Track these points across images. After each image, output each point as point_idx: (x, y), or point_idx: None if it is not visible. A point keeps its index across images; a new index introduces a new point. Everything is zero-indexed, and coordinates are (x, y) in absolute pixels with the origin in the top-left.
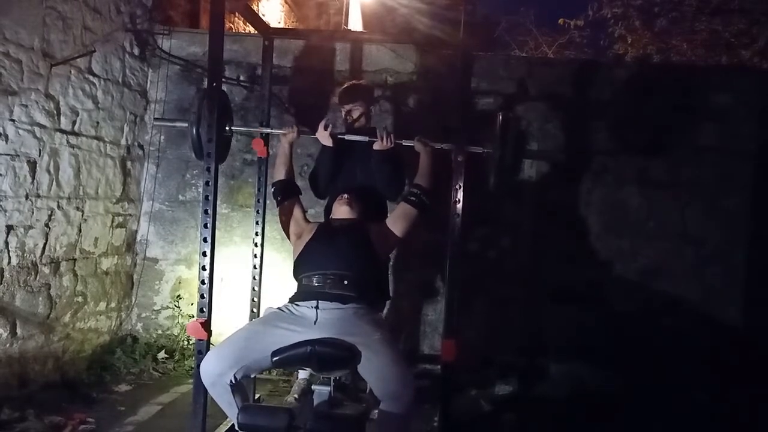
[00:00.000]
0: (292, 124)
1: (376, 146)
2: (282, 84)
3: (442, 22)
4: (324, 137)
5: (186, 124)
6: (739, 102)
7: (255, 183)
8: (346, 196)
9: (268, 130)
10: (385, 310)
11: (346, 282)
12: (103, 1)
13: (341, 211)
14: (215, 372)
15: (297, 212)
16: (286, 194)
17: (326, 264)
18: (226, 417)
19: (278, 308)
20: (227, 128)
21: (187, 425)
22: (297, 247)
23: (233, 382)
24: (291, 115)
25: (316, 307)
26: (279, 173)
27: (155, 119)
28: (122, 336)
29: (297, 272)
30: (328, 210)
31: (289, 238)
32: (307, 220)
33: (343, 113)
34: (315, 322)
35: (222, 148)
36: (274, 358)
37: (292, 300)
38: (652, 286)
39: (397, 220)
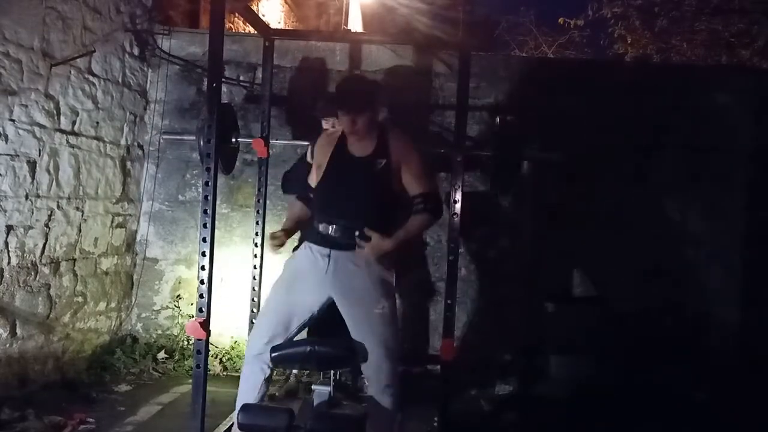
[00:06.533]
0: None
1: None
2: (282, 84)
3: (442, 22)
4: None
5: (194, 138)
6: (738, 102)
7: (255, 183)
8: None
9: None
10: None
11: (357, 233)
12: (103, 1)
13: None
14: (256, 350)
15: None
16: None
17: (338, 214)
18: (226, 417)
19: (293, 255)
20: (233, 140)
21: (187, 425)
22: (313, 178)
23: (270, 367)
24: (289, 125)
25: (329, 256)
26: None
27: (164, 132)
28: (122, 336)
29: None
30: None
31: None
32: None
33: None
34: (326, 272)
35: (229, 158)
36: (273, 354)
37: (307, 238)
38: (652, 286)
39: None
